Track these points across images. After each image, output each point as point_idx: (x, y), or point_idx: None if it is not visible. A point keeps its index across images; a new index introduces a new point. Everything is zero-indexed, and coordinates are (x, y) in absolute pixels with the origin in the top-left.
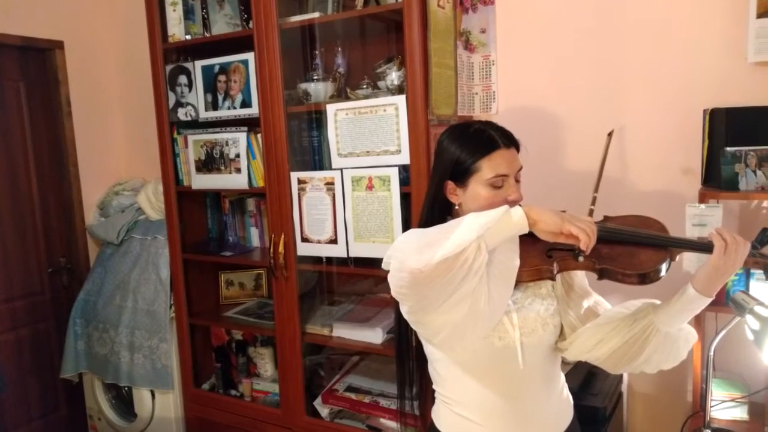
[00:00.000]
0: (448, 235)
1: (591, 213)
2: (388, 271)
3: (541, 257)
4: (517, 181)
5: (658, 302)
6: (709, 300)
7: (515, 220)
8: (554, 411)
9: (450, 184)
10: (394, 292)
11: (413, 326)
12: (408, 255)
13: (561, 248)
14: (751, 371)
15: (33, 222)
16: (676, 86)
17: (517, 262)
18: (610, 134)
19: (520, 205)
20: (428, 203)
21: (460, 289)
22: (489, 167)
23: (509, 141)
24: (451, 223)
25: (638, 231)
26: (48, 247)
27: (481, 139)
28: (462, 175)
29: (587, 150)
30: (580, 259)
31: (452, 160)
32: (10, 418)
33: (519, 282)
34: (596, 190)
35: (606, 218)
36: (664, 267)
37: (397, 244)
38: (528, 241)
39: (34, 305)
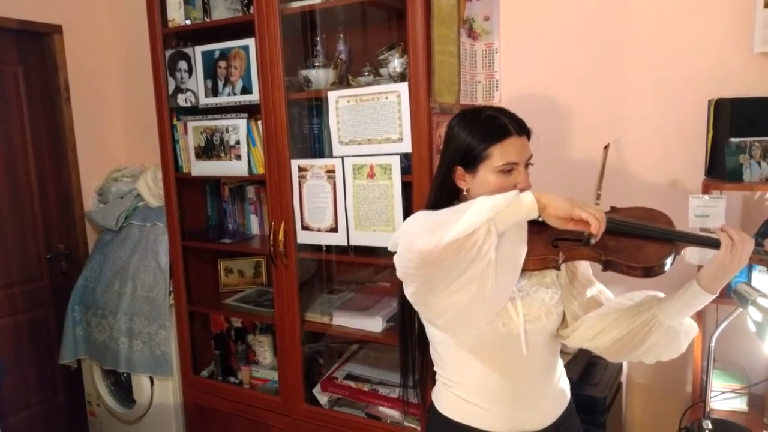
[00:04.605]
0: (458, 216)
1: (598, 198)
2: (394, 253)
3: (547, 246)
4: (529, 165)
5: (661, 295)
6: (713, 297)
7: (525, 204)
8: (552, 397)
9: (459, 170)
10: (401, 273)
11: (417, 307)
12: (417, 236)
13: (567, 238)
14: (751, 362)
15: (31, 208)
16: (681, 76)
17: (525, 248)
18: (606, 147)
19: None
20: (436, 188)
21: (467, 271)
22: (500, 154)
23: (521, 129)
24: (461, 205)
25: (645, 224)
26: (46, 233)
27: (493, 125)
28: (472, 161)
29: (591, 139)
30: (592, 241)
31: (463, 145)
32: (9, 403)
33: (524, 270)
34: (599, 188)
35: (613, 209)
36: (669, 261)
37: (405, 226)
38: (534, 230)
39: (33, 291)
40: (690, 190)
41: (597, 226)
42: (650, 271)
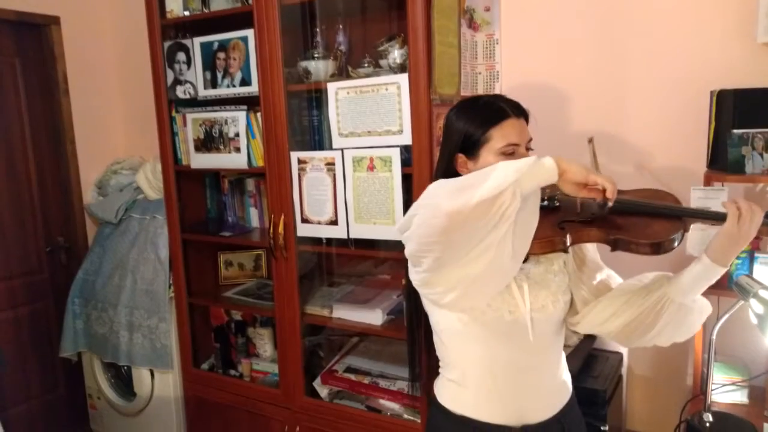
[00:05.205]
0: (483, 178)
1: None
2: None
3: (553, 228)
4: (529, 150)
5: (671, 274)
6: (724, 270)
7: (547, 166)
8: (554, 388)
9: (461, 157)
10: (417, 246)
11: (423, 289)
12: (443, 199)
13: (573, 220)
14: (752, 355)
15: (31, 201)
16: (683, 66)
17: (537, 218)
18: (590, 141)
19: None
20: (438, 177)
21: (488, 237)
22: (500, 136)
23: (519, 111)
24: (482, 170)
25: (652, 202)
26: (46, 226)
27: (491, 109)
28: (473, 146)
29: (592, 130)
30: (609, 205)
31: (462, 132)
32: (10, 396)
33: (532, 254)
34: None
35: (619, 191)
36: (678, 237)
37: (426, 195)
38: (540, 212)
39: (33, 284)
40: (691, 180)
41: (612, 190)
42: (659, 247)
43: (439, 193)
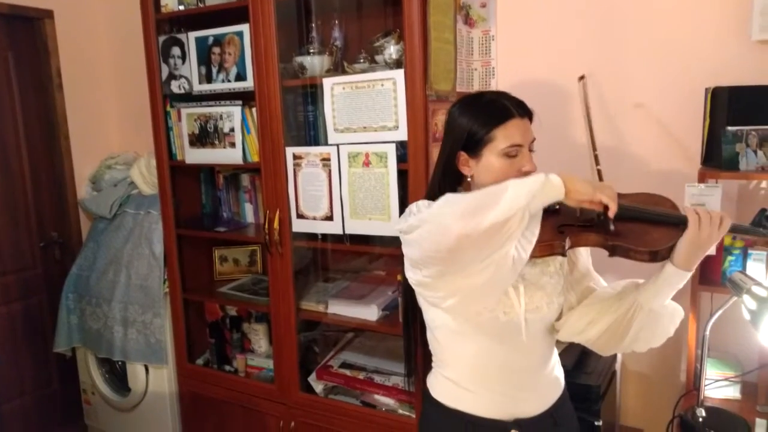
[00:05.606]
0: (494, 200)
1: (600, 174)
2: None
3: (553, 232)
4: (531, 151)
5: (641, 281)
6: (689, 274)
7: (556, 185)
8: (547, 384)
9: (462, 155)
10: (423, 257)
11: (424, 290)
12: (451, 220)
13: (572, 224)
14: (744, 350)
15: (24, 196)
16: (678, 64)
17: (539, 228)
18: (581, 78)
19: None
20: (438, 175)
21: (493, 255)
22: (504, 137)
23: (523, 111)
24: (492, 188)
25: (651, 209)
26: (40, 221)
27: (495, 108)
28: (475, 145)
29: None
30: (612, 228)
31: (465, 130)
32: (3, 392)
33: (531, 257)
34: (594, 148)
35: (618, 196)
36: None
37: (435, 210)
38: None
39: (27, 280)
40: (686, 178)
41: (614, 210)
42: (656, 255)
43: (447, 212)
